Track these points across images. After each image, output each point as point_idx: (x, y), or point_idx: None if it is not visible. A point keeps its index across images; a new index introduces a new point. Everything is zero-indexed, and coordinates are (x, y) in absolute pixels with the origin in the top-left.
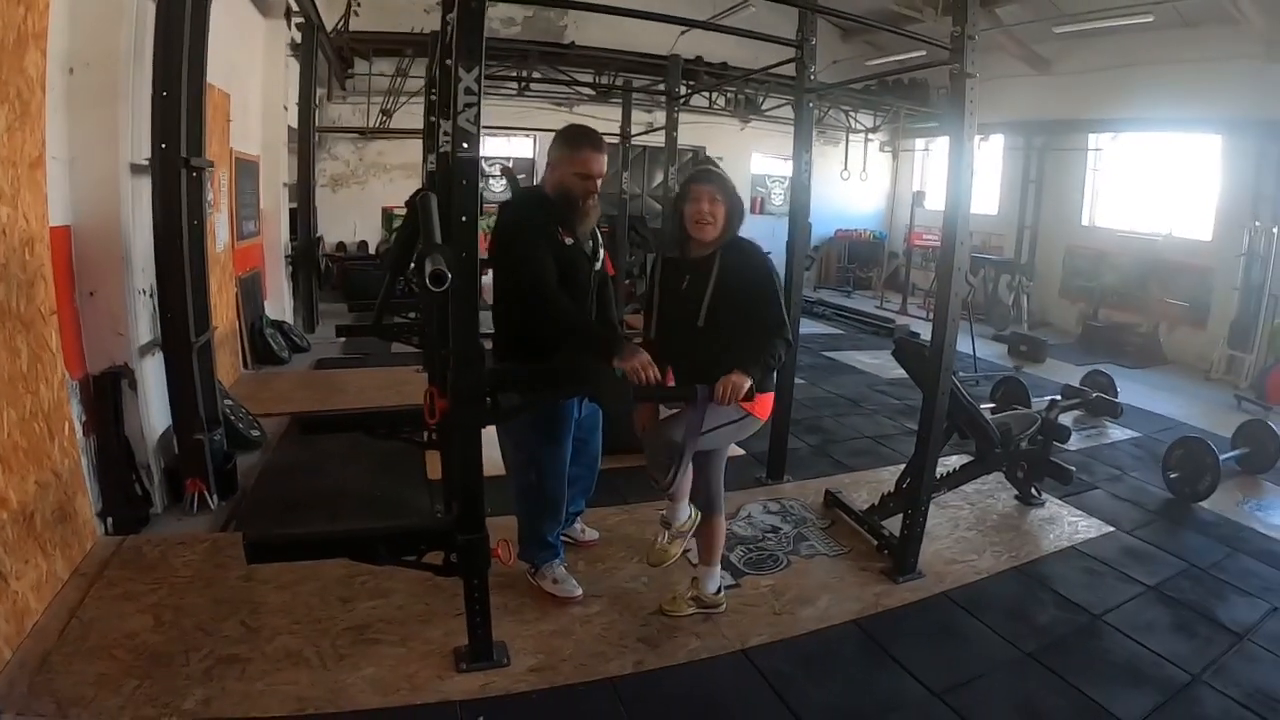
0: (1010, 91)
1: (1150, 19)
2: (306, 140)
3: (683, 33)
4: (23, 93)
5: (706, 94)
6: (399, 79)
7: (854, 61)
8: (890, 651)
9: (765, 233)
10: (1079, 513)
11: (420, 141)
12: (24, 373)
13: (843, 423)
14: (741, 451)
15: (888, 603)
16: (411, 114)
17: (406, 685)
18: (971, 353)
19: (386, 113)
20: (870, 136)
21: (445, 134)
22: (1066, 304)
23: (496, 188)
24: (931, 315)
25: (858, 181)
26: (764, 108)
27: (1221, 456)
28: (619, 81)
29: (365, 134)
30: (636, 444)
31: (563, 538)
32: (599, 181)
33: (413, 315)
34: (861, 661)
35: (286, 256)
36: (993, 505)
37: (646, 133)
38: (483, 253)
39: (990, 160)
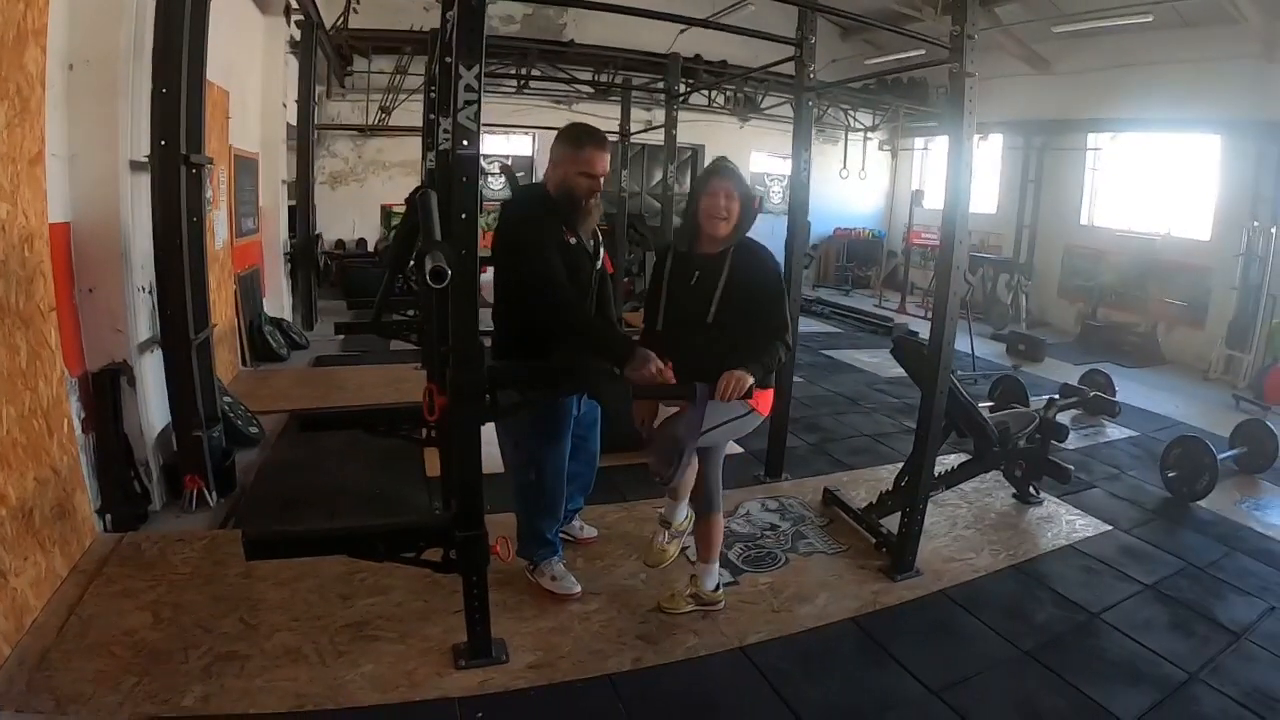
0: (1009, 91)
1: (1149, 19)
2: (306, 137)
3: (682, 31)
4: (22, 89)
5: (706, 92)
6: (398, 76)
7: (853, 60)
8: (888, 649)
9: (764, 231)
10: (1077, 511)
11: (419, 139)
12: (23, 369)
13: (841, 421)
14: (740, 449)
15: (886, 600)
16: (410, 111)
17: (405, 682)
18: (970, 351)
19: (386, 110)
20: (869, 135)
21: (445, 131)
22: (1065, 303)
23: (495, 185)
24: (930, 314)
25: (857, 180)
26: (763, 106)
27: (1219, 456)
28: (618, 79)
29: (364, 131)
30: (635, 441)
31: (561, 535)
32: (601, 180)
33: (412, 313)
34: (859, 659)
35: (285, 254)
36: (991, 504)
37: (645, 131)
38: (483, 250)
39: (989, 159)
